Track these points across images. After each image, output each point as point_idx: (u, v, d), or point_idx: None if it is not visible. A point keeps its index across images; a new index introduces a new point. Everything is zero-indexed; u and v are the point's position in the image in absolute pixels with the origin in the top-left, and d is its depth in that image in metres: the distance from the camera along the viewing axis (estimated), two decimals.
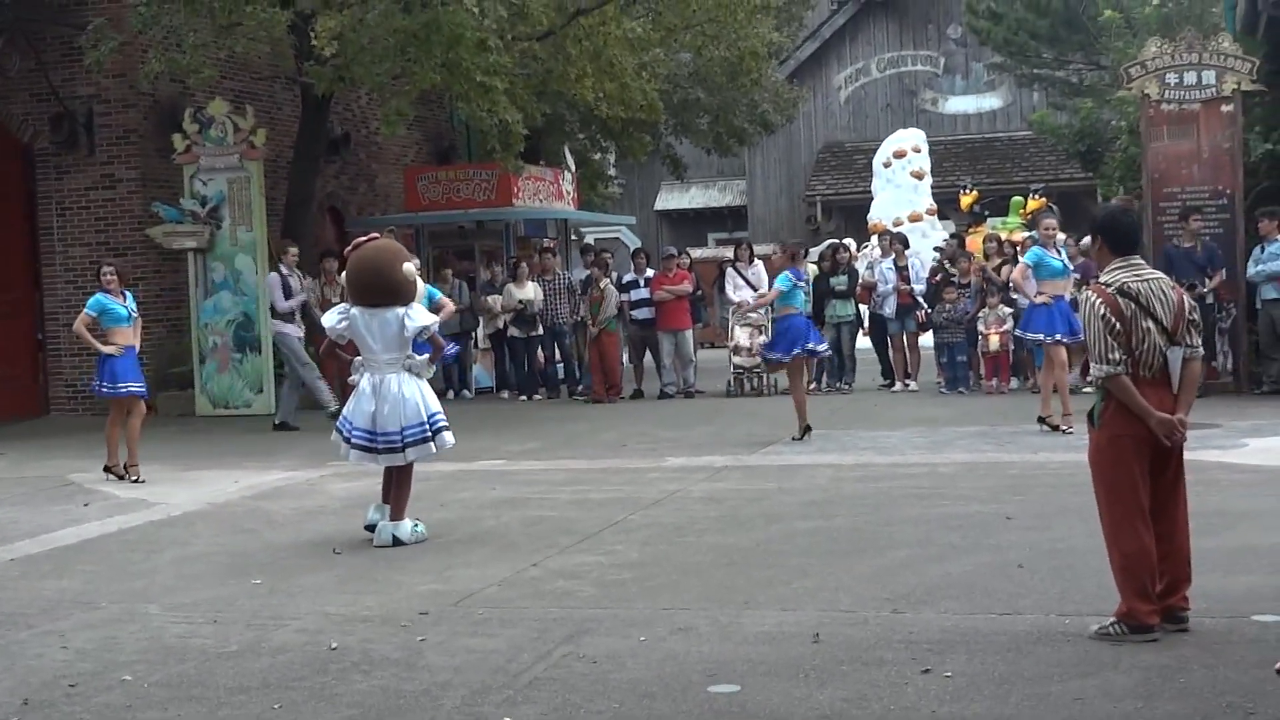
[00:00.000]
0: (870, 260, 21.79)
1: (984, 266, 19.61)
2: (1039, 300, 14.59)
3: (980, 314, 19.10)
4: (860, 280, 20.65)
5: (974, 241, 23.96)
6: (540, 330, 21.12)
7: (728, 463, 13.36)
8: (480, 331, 21.76)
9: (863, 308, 20.73)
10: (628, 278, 21.08)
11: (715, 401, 19.61)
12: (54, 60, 20.21)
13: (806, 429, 14.69)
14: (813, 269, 20.91)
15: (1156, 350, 6.74)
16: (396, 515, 9.98)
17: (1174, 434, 6.69)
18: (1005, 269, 19.12)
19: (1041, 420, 14.50)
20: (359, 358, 10.13)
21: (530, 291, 20.89)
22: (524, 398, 21.04)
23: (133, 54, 19.18)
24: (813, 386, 20.11)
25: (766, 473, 12.71)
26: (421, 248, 22.76)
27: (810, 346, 14.92)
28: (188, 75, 18.47)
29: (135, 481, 13.50)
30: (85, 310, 14.01)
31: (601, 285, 20.23)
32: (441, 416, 10.08)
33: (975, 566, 8.40)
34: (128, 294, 14.18)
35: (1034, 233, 18.27)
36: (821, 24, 38.52)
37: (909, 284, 20.14)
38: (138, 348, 14.10)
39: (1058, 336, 14.39)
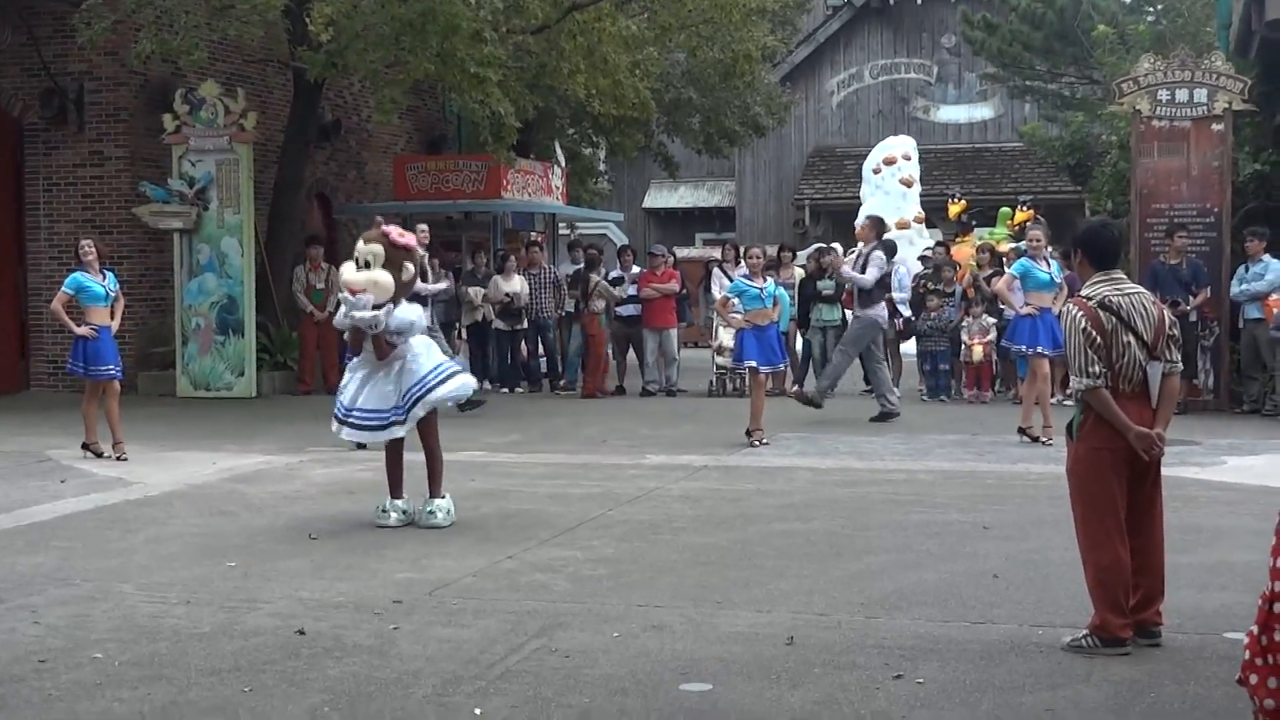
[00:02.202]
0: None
1: (976, 274, 19.67)
2: (1025, 311, 14.62)
3: (964, 323, 19.14)
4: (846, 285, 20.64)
5: (959, 250, 23.98)
6: (525, 324, 21.12)
7: (707, 462, 13.36)
8: (461, 322, 21.74)
9: (848, 313, 20.71)
10: (614, 274, 21.08)
11: (697, 401, 19.62)
12: (46, 35, 20.15)
13: (749, 434, 14.69)
14: (799, 272, 20.94)
15: (1136, 364, 6.76)
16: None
17: (1152, 448, 6.71)
18: (994, 279, 19.17)
19: (1022, 431, 14.53)
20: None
21: (517, 284, 20.89)
22: (505, 390, 21.05)
23: (125, 32, 19.12)
24: (795, 389, 20.13)
25: (745, 474, 12.71)
26: None
27: (749, 363, 14.89)
28: (179, 56, 18.43)
29: (120, 459, 13.48)
30: (62, 288, 13.96)
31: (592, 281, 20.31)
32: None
33: (950, 574, 8.41)
34: (108, 273, 14.10)
35: (1021, 244, 18.39)
36: (816, 29, 38.55)
37: (889, 291, 20.13)
38: (115, 328, 14.01)
39: (1040, 349, 14.42)
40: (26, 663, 6.63)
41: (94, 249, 13.91)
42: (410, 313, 10.09)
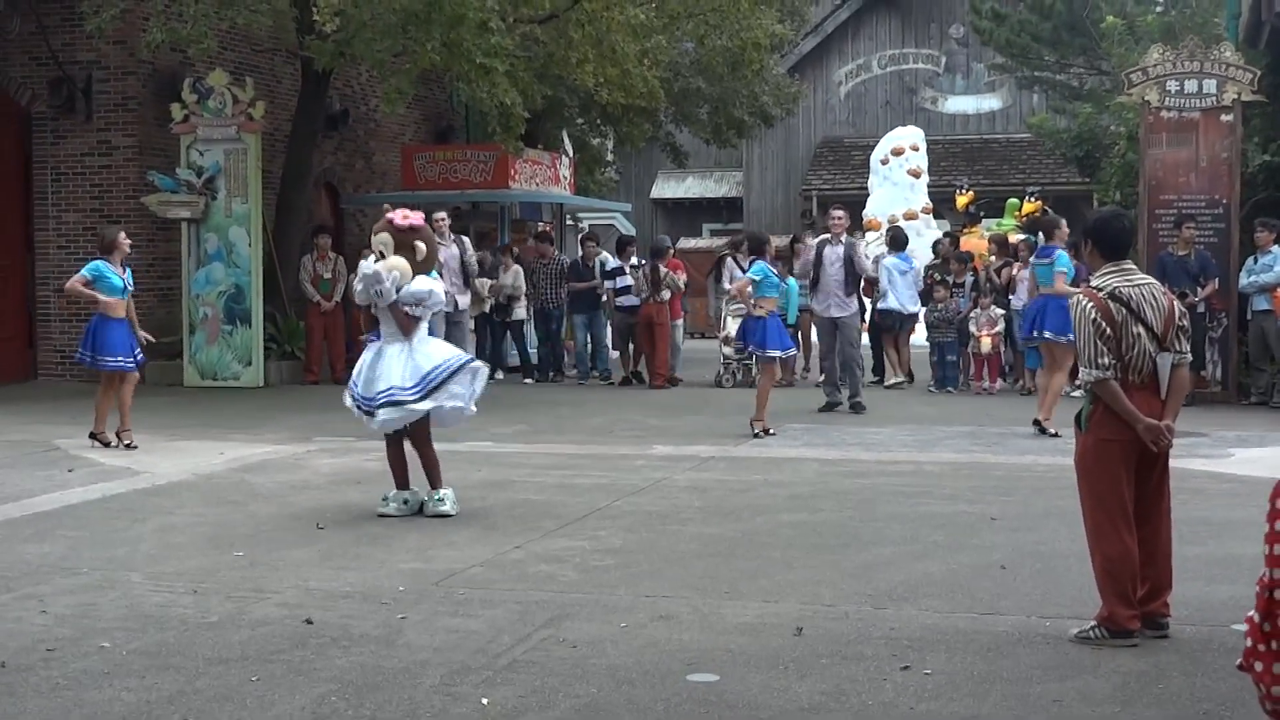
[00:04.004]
0: (872, 256, 21.71)
1: (988, 265, 19.69)
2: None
3: (972, 314, 19.10)
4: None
5: (968, 241, 23.94)
6: (524, 315, 21.08)
7: (714, 453, 13.36)
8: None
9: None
10: (613, 265, 21.11)
11: (703, 391, 19.60)
12: (55, 24, 20.15)
13: (760, 427, 14.63)
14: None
15: (1146, 356, 6.74)
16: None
17: (1160, 440, 6.70)
18: (1004, 271, 19.22)
19: (1038, 423, 14.38)
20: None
21: (510, 277, 20.88)
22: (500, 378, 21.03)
23: (134, 21, 19.13)
24: (796, 376, 20.15)
25: (752, 464, 12.71)
26: None
27: (768, 352, 14.88)
28: (188, 45, 18.43)
29: (128, 447, 13.49)
30: (81, 272, 13.95)
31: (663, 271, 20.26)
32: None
33: (958, 566, 8.41)
34: (126, 268, 14.12)
35: (1031, 236, 18.38)
36: (824, 18, 38.47)
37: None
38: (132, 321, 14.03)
39: (1071, 337, 14.33)
40: (34, 651, 6.64)
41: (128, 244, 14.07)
42: (423, 284, 10.01)
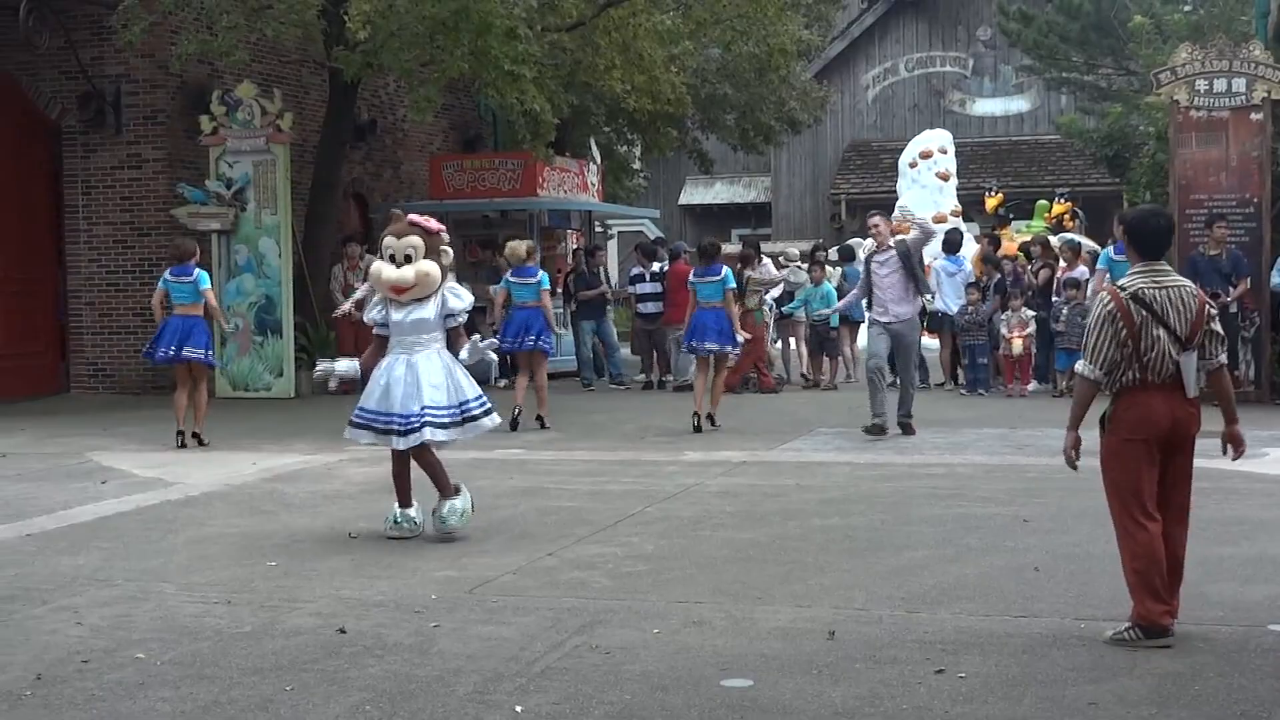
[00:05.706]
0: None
1: (1024, 267, 19.67)
2: None
3: (1003, 316, 19.01)
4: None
5: (1010, 247, 23.87)
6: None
7: (745, 458, 13.34)
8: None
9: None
10: (634, 271, 21.10)
11: (729, 397, 19.53)
12: (83, 38, 20.24)
13: (697, 422, 15.26)
14: (831, 271, 21.04)
15: (1165, 358, 6.69)
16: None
17: (1069, 461, 7.05)
18: (1043, 273, 19.16)
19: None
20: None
21: None
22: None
23: (162, 34, 19.22)
24: (831, 378, 20.17)
25: (784, 469, 12.69)
26: None
27: (695, 345, 15.43)
28: (220, 57, 18.50)
29: (179, 443, 14.29)
30: (209, 287, 14.92)
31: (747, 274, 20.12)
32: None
33: (991, 568, 8.38)
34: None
35: (1071, 236, 18.29)
36: (851, 23, 38.43)
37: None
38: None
39: None
40: (70, 663, 6.67)
41: None
42: (465, 300, 9.92)
